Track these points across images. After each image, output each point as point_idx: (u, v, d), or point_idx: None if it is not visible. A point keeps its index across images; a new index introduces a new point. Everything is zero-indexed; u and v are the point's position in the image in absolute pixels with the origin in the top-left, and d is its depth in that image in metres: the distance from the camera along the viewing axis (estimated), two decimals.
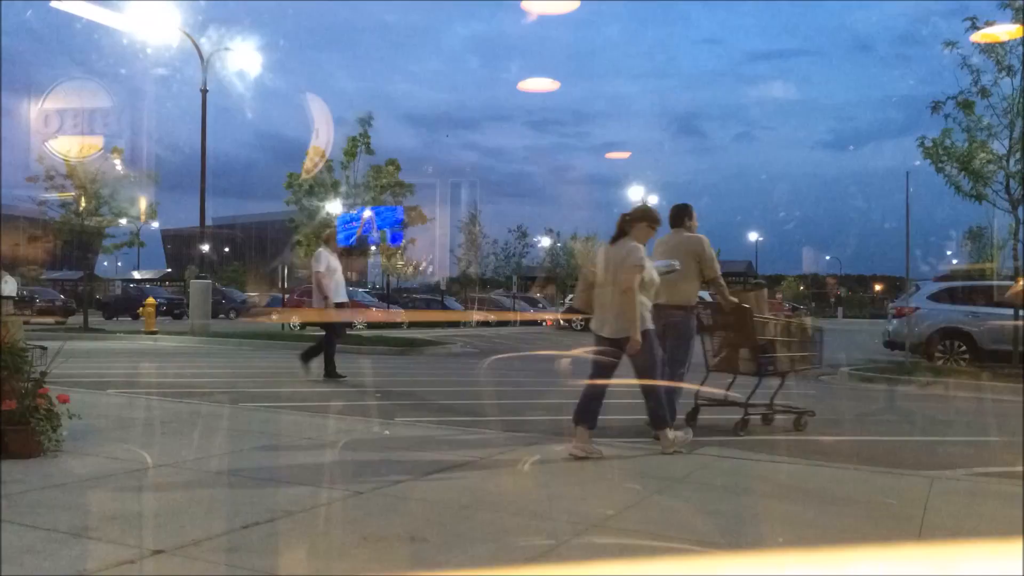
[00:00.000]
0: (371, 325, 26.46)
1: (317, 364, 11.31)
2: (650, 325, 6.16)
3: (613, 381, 6.28)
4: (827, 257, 79.40)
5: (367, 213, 20.75)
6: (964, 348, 14.38)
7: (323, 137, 19.21)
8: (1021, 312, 12.93)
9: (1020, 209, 12.87)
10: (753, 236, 66.49)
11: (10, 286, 7.11)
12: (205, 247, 26.02)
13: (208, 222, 24.87)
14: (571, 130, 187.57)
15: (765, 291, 8.47)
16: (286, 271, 28.83)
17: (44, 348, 7.09)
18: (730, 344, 7.92)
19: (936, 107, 13.03)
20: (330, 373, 11.13)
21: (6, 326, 6.82)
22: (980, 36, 12.62)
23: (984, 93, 12.75)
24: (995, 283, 15.67)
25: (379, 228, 21.02)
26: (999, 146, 12.88)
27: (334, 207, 20.57)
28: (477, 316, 34.73)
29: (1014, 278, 13.49)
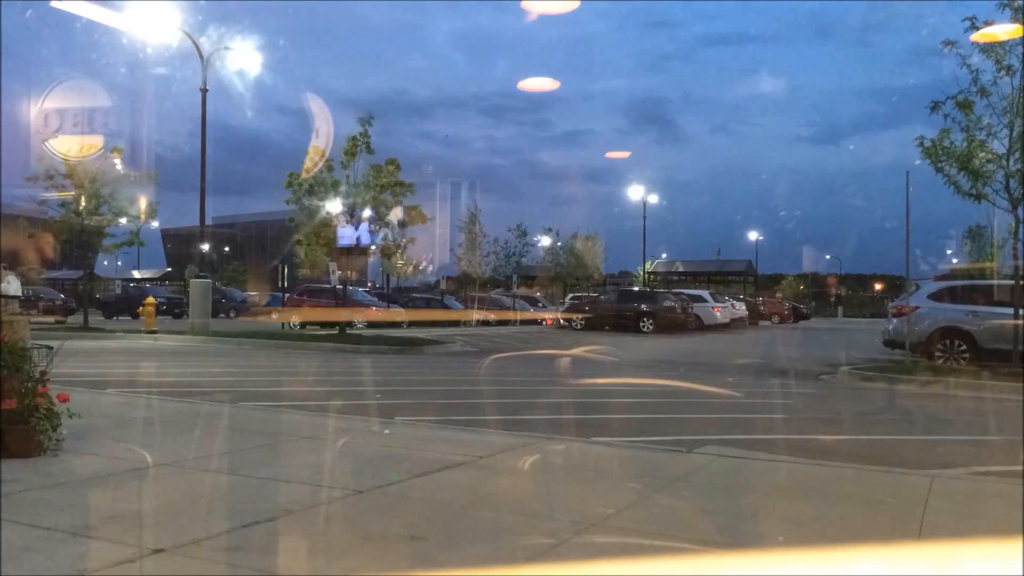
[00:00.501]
0: (371, 324, 26.47)
1: None
2: None
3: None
4: (827, 256, 79.34)
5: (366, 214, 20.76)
6: (964, 347, 14.38)
7: (322, 136, 19.20)
8: (1021, 311, 12.93)
9: (1020, 208, 12.86)
10: (753, 235, 66.45)
11: (14, 286, 7.04)
12: (205, 246, 26.02)
13: (208, 221, 24.87)
14: (529, 118, 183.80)
15: None
16: (286, 270, 28.82)
17: (50, 347, 7.10)
18: None
19: (935, 107, 13.02)
20: None
21: (11, 325, 6.81)
22: (979, 36, 12.62)
23: (983, 93, 12.74)
24: (995, 282, 15.67)
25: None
26: (998, 145, 12.87)
27: (334, 206, 20.58)
28: (477, 315, 34.72)
29: (1014, 277, 13.48)
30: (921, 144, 13.26)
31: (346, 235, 20.60)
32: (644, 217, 46.35)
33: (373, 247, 22.23)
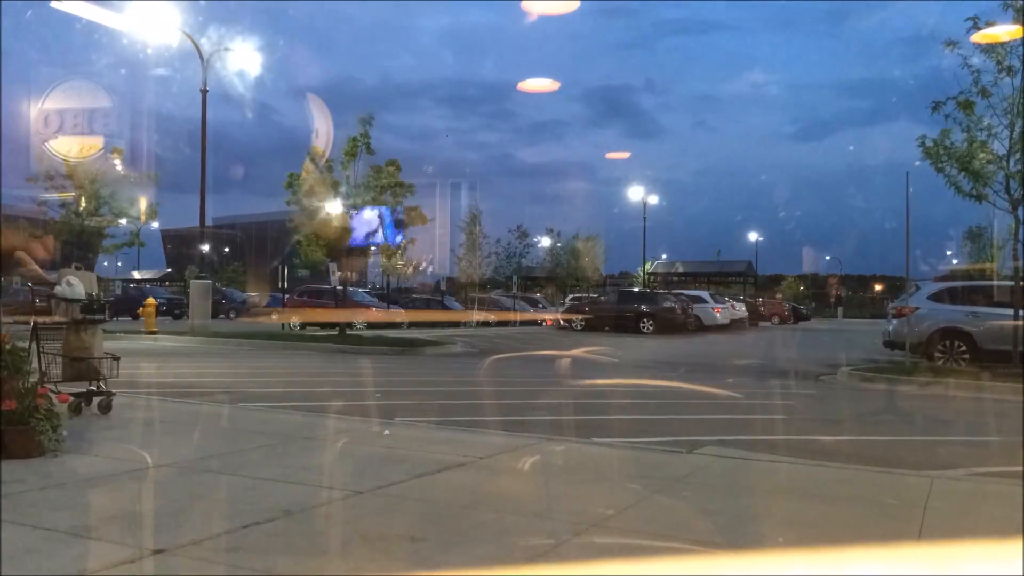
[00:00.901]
0: (371, 325, 26.48)
1: None
2: None
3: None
4: (827, 257, 79.35)
5: (369, 213, 20.78)
6: (964, 348, 14.38)
7: (322, 137, 19.21)
8: (1021, 312, 12.94)
9: (1020, 209, 12.87)
10: (753, 236, 66.38)
11: (77, 288, 6.61)
12: (205, 247, 26.04)
13: (208, 222, 24.87)
14: (489, 109, 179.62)
15: None
16: (286, 271, 28.84)
17: (117, 358, 7.12)
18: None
19: (936, 107, 13.03)
20: None
21: (83, 335, 6.79)
22: (980, 36, 12.62)
23: (984, 93, 12.75)
24: (995, 283, 15.68)
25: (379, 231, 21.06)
26: (999, 146, 12.88)
27: (334, 207, 20.59)
28: (477, 316, 34.72)
29: (1014, 278, 13.49)
30: (922, 144, 13.28)
31: (355, 232, 20.61)
32: (644, 218, 46.39)
33: (373, 248, 22.27)
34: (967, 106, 12.82)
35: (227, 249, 75.77)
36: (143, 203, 23.76)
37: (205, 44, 21.72)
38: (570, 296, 42.25)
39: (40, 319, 7.07)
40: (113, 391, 7.29)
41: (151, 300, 23.55)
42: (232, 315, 36.59)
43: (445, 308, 36.34)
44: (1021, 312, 12.95)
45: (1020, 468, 5.94)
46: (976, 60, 12.72)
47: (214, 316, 25.14)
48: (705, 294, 37.16)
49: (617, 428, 7.78)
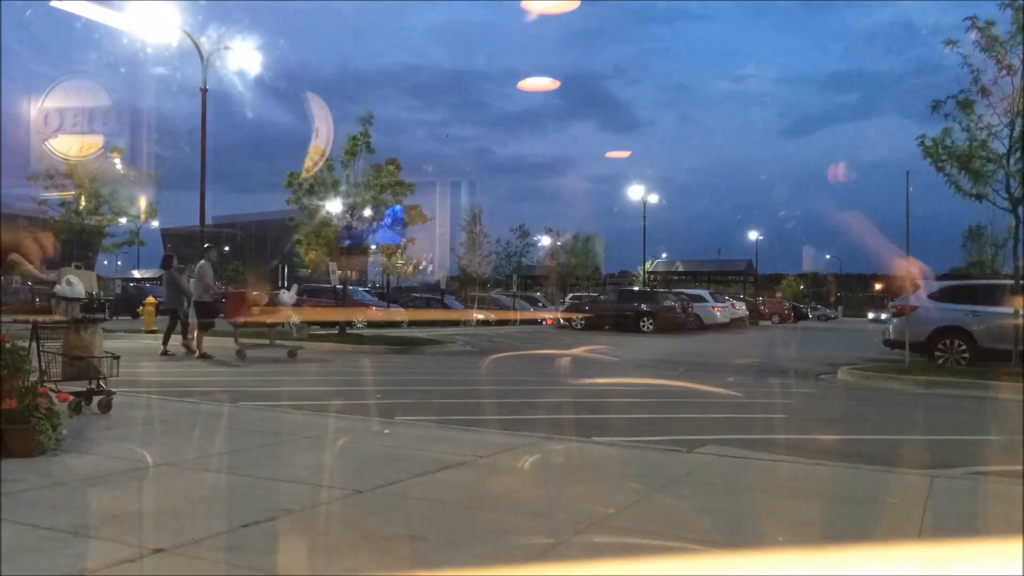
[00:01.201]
0: (371, 324, 26.47)
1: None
2: None
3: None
4: (827, 256, 79.28)
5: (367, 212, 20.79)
6: (964, 347, 14.38)
7: (322, 136, 19.19)
8: (1021, 311, 12.94)
9: (1020, 208, 12.87)
10: (753, 235, 66.34)
11: (77, 287, 6.61)
12: (205, 246, 25.96)
13: (208, 221, 24.85)
14: (456, 99, 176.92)
15: None
16: (286, 270, 28.85)
17: (117, 357, 7.13)
18: None
19: (936, 106, 13.03)
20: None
21: (83, 334, 6.79)
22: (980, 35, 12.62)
23: (984, 92, 12.75)
24: (995, 282, 15.68)
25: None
26: (999, 145, 12.88)
27: (334, 206, 20.59)
28: (477, 315, 34.72)
29: (1014, 277, 13.49)
30: (922, 143, 13.27)
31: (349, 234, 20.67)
32: (644, 217, 46.32)
33: (373, 246, 22.27)
34: (967, 105, 12.82)
35: (227, 248, 75.77)
36: (143, 202, 23.79)
37: (205, 43, 21.70)
38: (570, 295, 42.25)
39: (40, 318, 7.07)
40: (113, 390, 7.29)
41: (151, 299, 23.52)
42: None
43: (445, 307, 36.34)
44: (1021, 311, 12.95)
45: (1020, 467, 5.94)
46: (976, 59, 12.72)
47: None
48: (705, 293, 37.18)
49: (617, 427, 7.78)
